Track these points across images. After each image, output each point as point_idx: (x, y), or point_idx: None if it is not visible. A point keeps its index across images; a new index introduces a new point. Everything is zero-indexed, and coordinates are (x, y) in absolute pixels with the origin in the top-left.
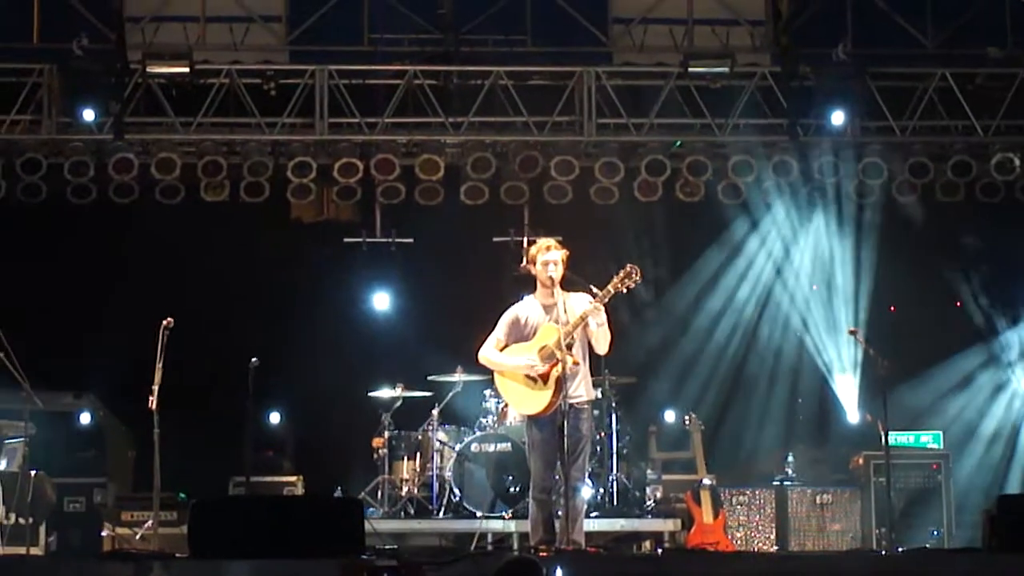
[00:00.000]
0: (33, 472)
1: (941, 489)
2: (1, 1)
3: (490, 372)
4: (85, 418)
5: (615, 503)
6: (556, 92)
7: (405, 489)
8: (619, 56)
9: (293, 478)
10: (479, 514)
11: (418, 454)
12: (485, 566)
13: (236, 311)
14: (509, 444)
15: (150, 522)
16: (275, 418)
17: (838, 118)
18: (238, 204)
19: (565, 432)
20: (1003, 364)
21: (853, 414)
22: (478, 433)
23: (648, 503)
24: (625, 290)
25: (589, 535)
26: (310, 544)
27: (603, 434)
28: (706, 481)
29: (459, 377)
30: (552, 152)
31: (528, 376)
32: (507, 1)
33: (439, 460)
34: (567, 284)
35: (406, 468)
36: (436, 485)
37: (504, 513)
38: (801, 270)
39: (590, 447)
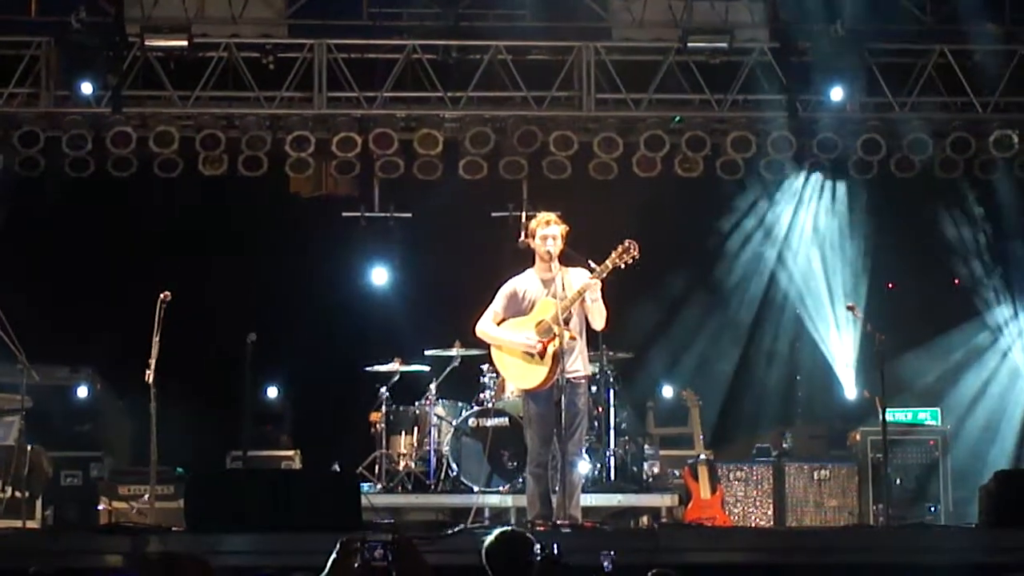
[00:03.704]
0: (30, 446)
1: (939, 465)
2: None
3: (488, 346)
4: (82, 392)
5: (612, 478)
6: (555, 67)
7: (402, 464)
8: (618, 31)
9: (290, 452)
10: (476, 489)
11: (415, 429)
12: (481, 540)
13: (234, 285)
14: (506, 419)
15: (147, 496)
16: (273, 392)
17: (837, 94)
18: (236, 178)
19: (562, 407)
20: (1002, 340)
21: (851, 390)
22: (475, 408)
23: (645, 478)
24: (623, 265)
25: (586, 510)
26: (307, 518)
27: (600, 409)
28: (704, 456)
29: (457, 351)
30: (551, 127)
31: (525, 351)
32: None
33: (436, 435)
34: (565, 259)
35: (403, 443)
36: (433, 460)
37: (501, 488)
38: (800, 246)
39: (587, 422)
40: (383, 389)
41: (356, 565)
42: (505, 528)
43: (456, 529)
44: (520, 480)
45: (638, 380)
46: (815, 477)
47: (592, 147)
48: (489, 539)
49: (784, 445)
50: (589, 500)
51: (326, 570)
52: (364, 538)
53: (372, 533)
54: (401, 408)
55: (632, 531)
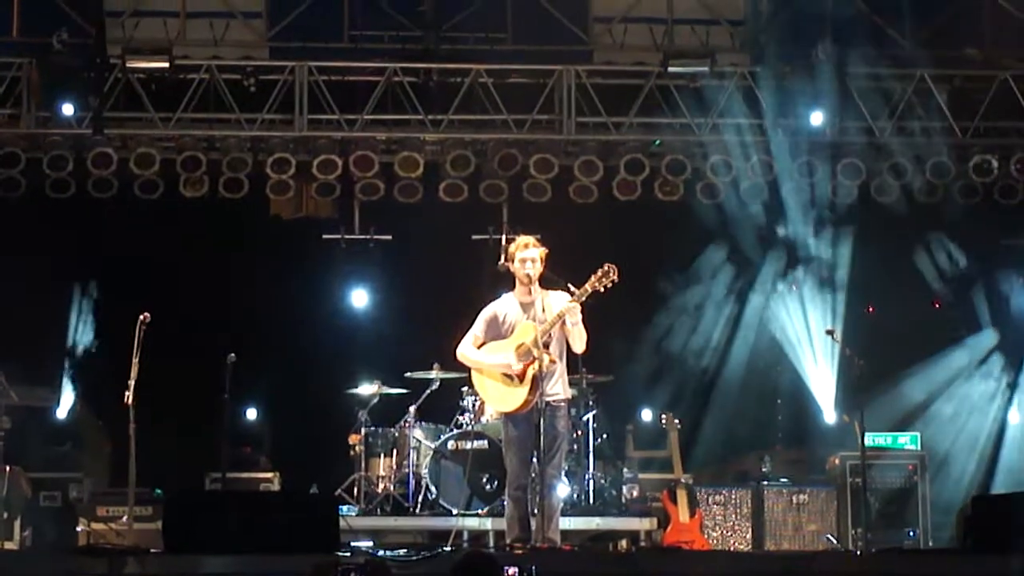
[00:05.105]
0: (8, 466)
1: (917, 490)
2: None
3: (467, 369)
4: (61, 413)
5: (591, 501)
6: (536, 90)
7: (381, 486)
8: (599, 55)
9: (269, 474)
10: (455, 512)
11: (395, 451)
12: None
13: (214, 306)
14: (486, 442)
15: (125, 517)
16: (252, 414)
17: (817, 118)
18: (217, 200)
19: (541, 430)
20: (984, 364)
21: (830, 414)
22: (455, 430)
23: (624, 502)
24: (603, 289)
25: (565, 533)
26: (285, 540)
27: (580, 432)
28: (683, 480)
29: (436, 374)
30: (531, 150)
31: (505, 374)
32: None
33: (415, 457)
34: (545, 282)
35: (382, 465)
36: (412, 482)
37: (480, 511)
38: (779, 270)
39: (567, 445)
40: (362, 411)
41: None
42: (469, 551)
43: (434, 552)
44: (499, 503)
45: (618, 403)
46: (794, 501)
47: (572, 170)
48: (456, 560)
49: (763, 469)
50: (568, 523)
51: None
52: (338, 561)
53: (352, 556)
54: (380, 430)
55: (611, 554)
